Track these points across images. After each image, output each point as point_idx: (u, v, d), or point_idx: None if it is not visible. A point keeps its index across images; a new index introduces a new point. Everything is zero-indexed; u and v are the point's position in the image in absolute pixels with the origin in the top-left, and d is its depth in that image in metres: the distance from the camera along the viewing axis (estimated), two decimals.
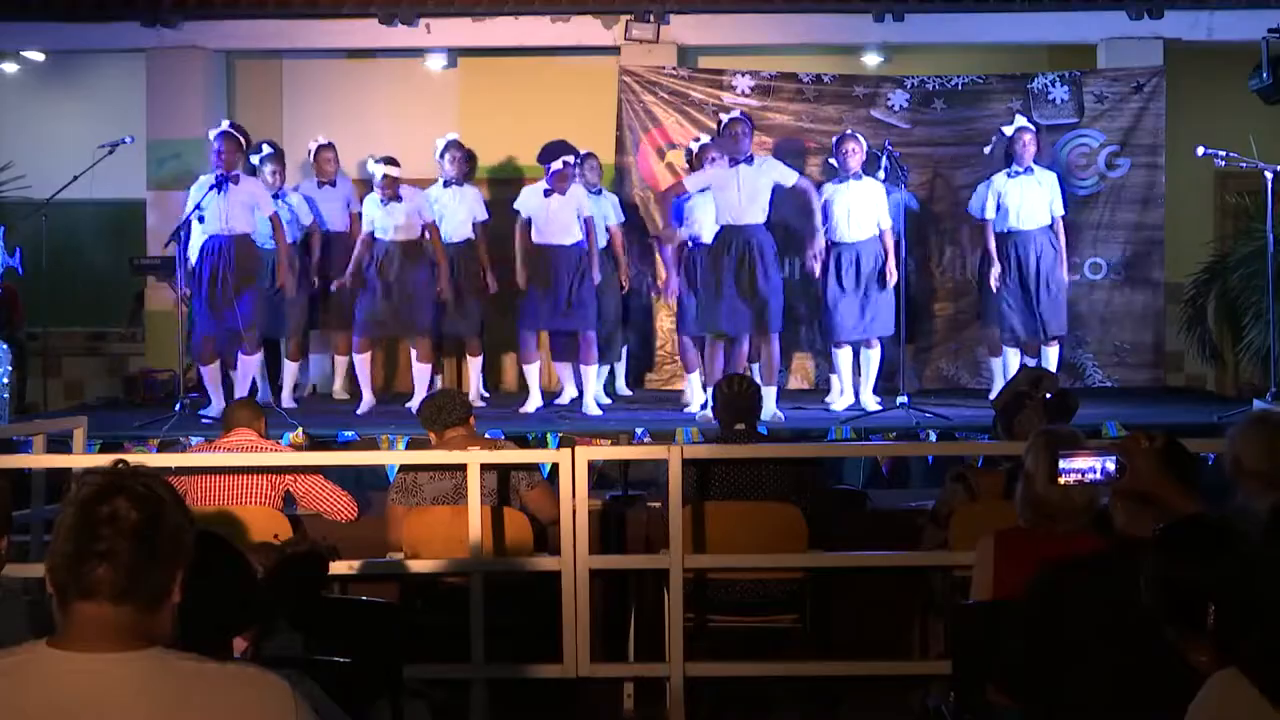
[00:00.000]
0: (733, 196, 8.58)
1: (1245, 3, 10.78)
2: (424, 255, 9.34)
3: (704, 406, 8.80)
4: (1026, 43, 11.46)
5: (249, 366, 9.12)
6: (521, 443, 7.45)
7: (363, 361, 9.44)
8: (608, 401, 9.67)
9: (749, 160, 8.60)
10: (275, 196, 9.44)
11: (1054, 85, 10.80)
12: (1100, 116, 10.80)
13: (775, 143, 10.73)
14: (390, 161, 9.26)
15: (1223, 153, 8.92)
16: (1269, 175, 8.64)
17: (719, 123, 8.97)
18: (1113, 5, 10.98)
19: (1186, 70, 11.14)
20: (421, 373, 9.42)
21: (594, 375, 9.33)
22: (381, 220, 9.27)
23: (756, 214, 8.62)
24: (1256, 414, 4.50)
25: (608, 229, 9.74)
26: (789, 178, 8.71)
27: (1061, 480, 3.45)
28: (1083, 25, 11.14)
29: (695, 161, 9.64)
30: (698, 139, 9.88)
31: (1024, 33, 11.24)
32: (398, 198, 9.22)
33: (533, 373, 9.27)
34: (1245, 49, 10.06)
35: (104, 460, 2.36)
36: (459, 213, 9.64)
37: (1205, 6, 10.94)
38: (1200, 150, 8.93)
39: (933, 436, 8.03)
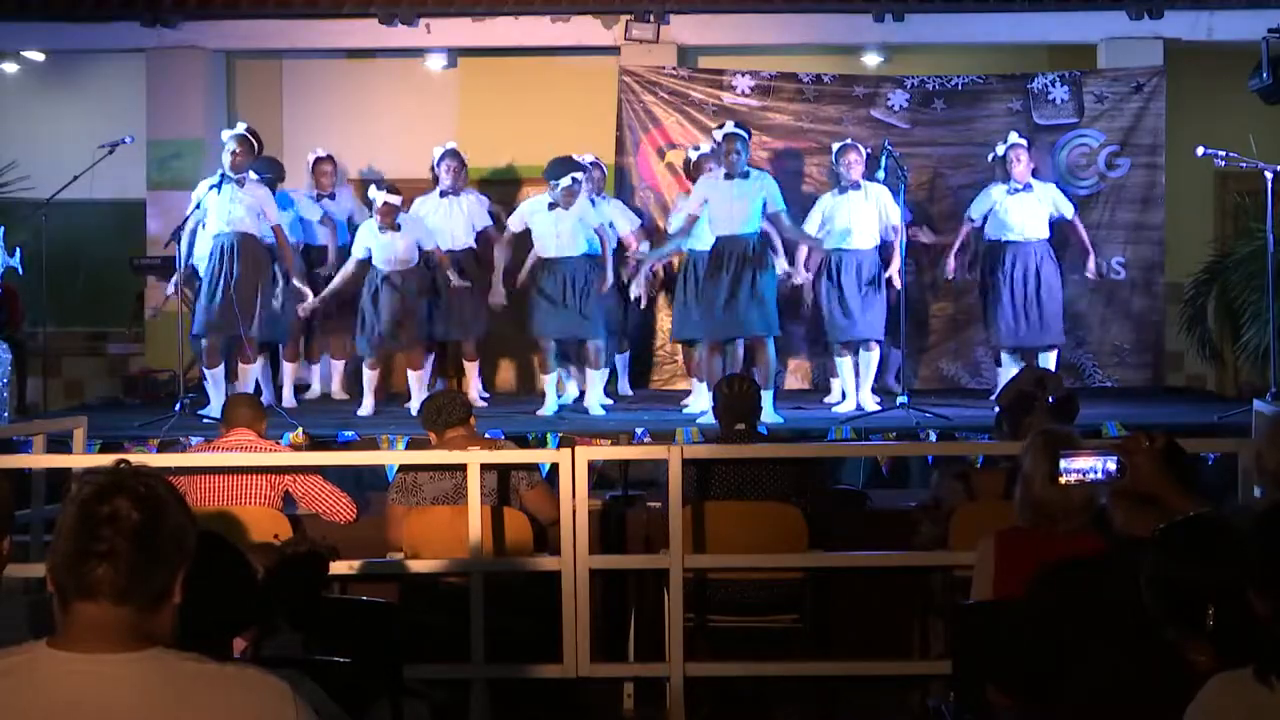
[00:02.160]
0: (726, 209, 8.65)
1: (1245, 3, 10.78)
2: (423, 278, 9.32)
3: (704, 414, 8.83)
4: (1026, 43, 11.45)
5: (249, 374, 9.10)
6: (521, 443, 7.44)
7: (371, 377, 9.40)
8: (609, 403, 9.67)
9: (744, 175, 8.64)
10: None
11: (1054, 85, 10.80)
12: (1100, 116, 10.79)
13: (774, 144, 10.75)
14: (392, 190, 9.24)
15: (1223, 153, 8.91)
16: (1269, 175, 8.63)
17: (717, 133, 8.94)
18: (1113, 5, 10.98)
19: (1186, 70, 11.13)
20: (416, 379, 9.37)
21: (599, 379, 9.32)
22: (379, 251, 9.21)
23: (749, 224, 8.66)
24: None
25: (618, 237, 9.71)
26: (774, 205, 8.73)
27: (1063, 480, 3.45)
28: (1083, 25, 11.14)
29: (694, 170, 9.66)
30: (697, 147, 9.88)
31: (1024, 33, 11.23)
32: (396, 227, 9.17)
33: (551, 381, 9.23)
34: (1245, 49, 10.06)
35: (104, 460, 2.35)
36: (457, 222, 9.63)
37: (1205, 6, 10.93)
38: (1200, 150, 8.92)
39: (933, 436, 8.03)
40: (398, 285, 9.19)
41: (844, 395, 9.51)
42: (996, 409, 6.65)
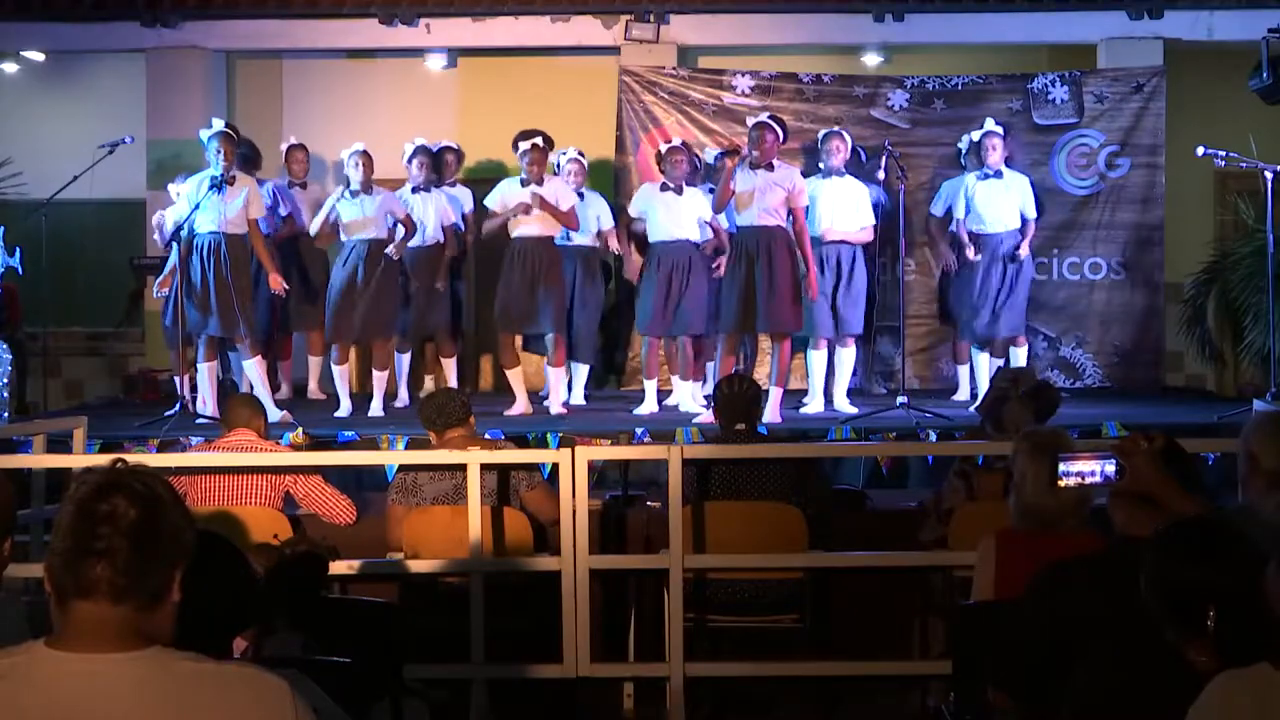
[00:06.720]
0: (746, 198, 8.49)
1: (1245, 3, 10.79)
2: (391, 264, 9.11)
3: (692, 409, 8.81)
4: (1026, 43, 11.47)
5: (255, 370, 8.87)
6: (521, 443, 7.44)
7: (341, 372, 9.21)
8: (580, 403, 9.57)
9: (770, 167, 8.50)
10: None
11: (1054, 85, 10.81)
12: (1100, 116, 10.80)
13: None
14: (364, 155, 9.07)
15: (1223, 153, 8.92)
16: (1269, 175, 8.64)
17: (750, 119, 8.85)
18: (1113, 5, 11.00)
19: (1186, 70, 11.14)
20: (381, 379, 9.20)
21: (561, 377, 9.07)
22: (349, 215, 9.02)
23: (769, 218, 8.50)
24: (1273, 413, 4.47)
25: (599, 231, 9.64)
26: (798, 201, 8.55)
27: (1062, 483, 3.45)
28: (1083, 25, 11.16)
29: (710, 170, 9.59)
30: (718, 151, 9.80)
31: (1024, 33, 11.25)
32: (368, 191, 9.05)
33: (515, 376, 9.05)
34: (1245, 49, 10.07)
35: (104, 460, 2.35)
36: (429, 217, 9.56)
37: (1205, 6, 10.95)
38: (1200, 150, 8.93)
39: (933, 436, 8.03)
40: (368, 259, 8.98)
41: (811, 394, 9.29)
42: (979, 417, 6.64)
